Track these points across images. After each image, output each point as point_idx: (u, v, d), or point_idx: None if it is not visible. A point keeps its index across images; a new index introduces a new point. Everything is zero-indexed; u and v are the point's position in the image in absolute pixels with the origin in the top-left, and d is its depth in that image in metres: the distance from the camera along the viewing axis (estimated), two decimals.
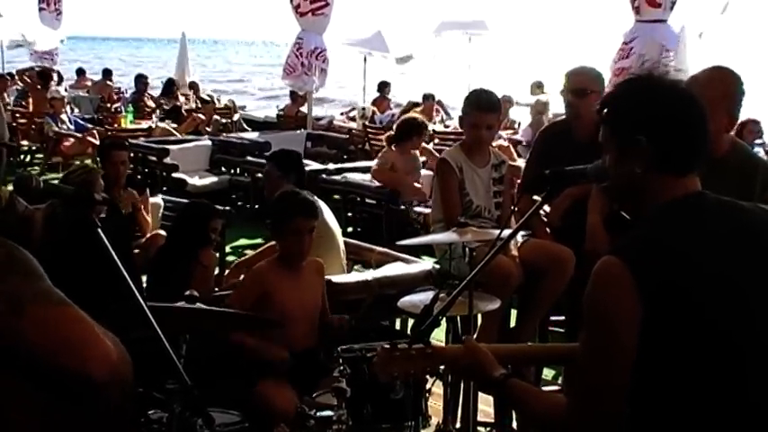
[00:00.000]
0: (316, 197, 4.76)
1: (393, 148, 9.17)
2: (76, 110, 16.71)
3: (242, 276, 4.97)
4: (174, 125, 14.35)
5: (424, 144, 9.89)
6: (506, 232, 2.81)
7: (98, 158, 7.54)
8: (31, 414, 1.71)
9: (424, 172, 9.31)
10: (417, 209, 8.94)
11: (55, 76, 18.07)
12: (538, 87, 16.01)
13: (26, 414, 1.71)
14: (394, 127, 9.68)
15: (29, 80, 18.89)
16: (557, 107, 10.95)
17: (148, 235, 6.55)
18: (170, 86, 17.66)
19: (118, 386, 1.72)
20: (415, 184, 9.09)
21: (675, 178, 2.10)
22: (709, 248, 2.02)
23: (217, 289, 5.17)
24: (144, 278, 5.28)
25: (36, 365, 1.67)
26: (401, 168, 9.05)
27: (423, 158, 9.61)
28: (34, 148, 15.23)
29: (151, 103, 16.64)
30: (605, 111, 2.21)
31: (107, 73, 19.69)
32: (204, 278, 5.03)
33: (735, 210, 2.15)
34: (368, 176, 9.57)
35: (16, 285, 1.70)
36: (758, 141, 10.87)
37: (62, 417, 1.73)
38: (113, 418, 1.81)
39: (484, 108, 4.79)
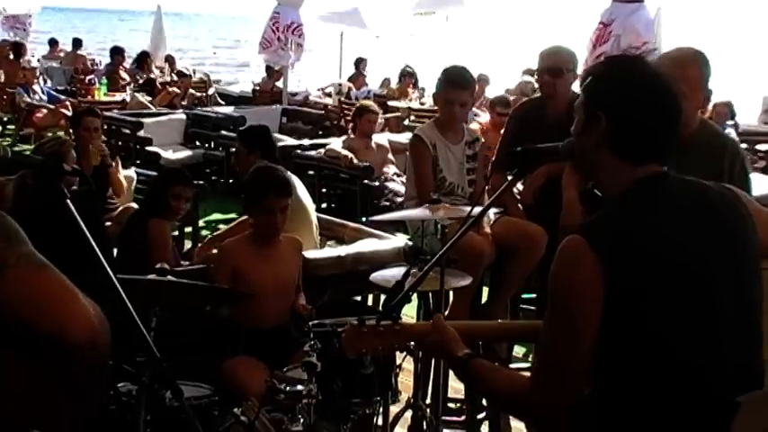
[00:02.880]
0: (289, 172, 4.75)
1: (353, 135, 9.57)
2: (49, 81, 16.52)
3: (214, 251, 4.94)
4: (149, 98, 14.22)
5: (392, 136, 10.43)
6: (477, 209, 2.83)
7: (71, 129, 7.43)
8: (19, 375, 1.70)
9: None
10: (389, 185, 8.94)
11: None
12: None
13: (13, 375, 1.70)
14: None
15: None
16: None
17: (121, 208, 6.49)
18: (143, 59, 17.44)
19: (95, 353, 1.71)
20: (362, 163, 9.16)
21: (629, 165, 2.11)
22: (672, 230, 2.03)
23: (188, 263, 5.12)
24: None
25: (15, 327, 1.66)
26: (360, 152, 9.23)
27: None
28: (6, 119, 15.04)
29: (126, 76, 16.44)
30: (585, 80, 2.23)
31: (77, 43, 19.37)
32: (157, 250, 4.84)
33: (699, 190, 2.16)
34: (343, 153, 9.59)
35: None
36: (729, 123, 10.98)
37: (48, 381, 1.73)
38: (90, 385, 1.80)
39: (457, 85, 4.78)
